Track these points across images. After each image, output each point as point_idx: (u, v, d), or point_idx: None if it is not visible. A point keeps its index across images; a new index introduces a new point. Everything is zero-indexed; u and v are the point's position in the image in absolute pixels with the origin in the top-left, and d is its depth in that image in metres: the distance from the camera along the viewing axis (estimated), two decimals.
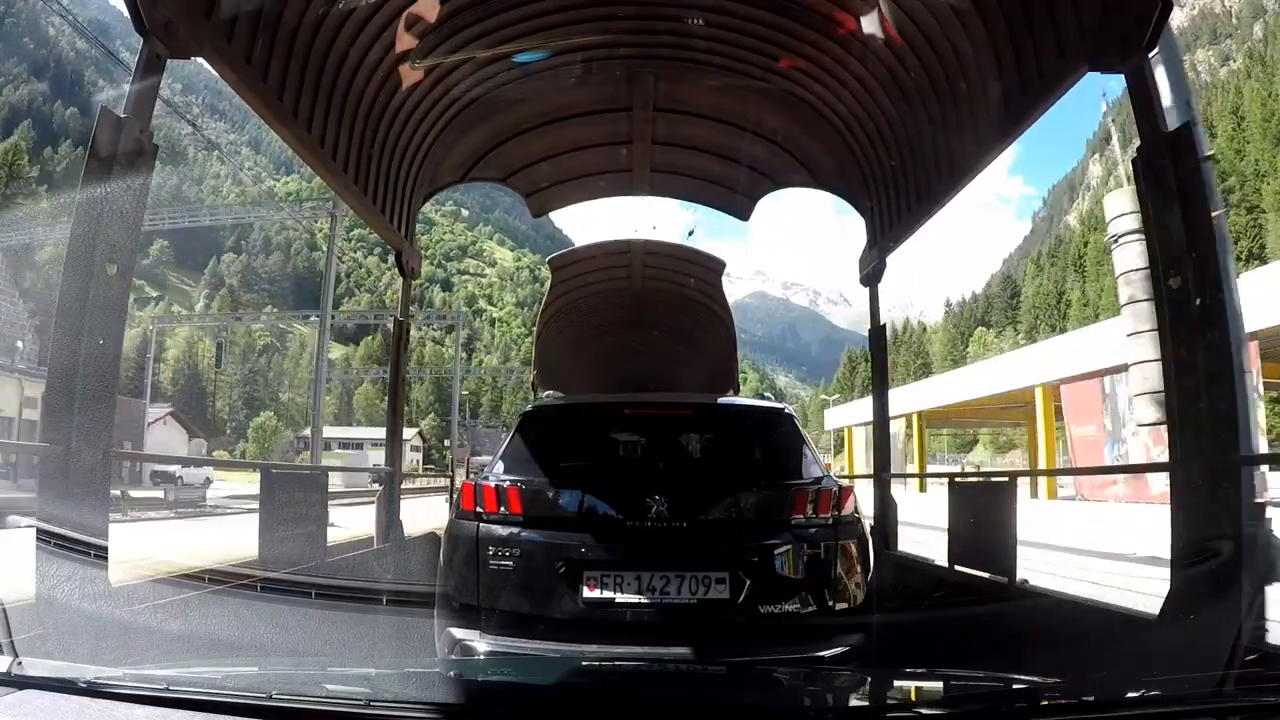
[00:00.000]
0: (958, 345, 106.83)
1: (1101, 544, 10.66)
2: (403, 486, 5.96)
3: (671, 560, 3.25)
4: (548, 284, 8.87)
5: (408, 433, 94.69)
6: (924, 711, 1.76)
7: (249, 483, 42.97)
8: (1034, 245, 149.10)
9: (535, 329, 9.77)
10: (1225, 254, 3.05)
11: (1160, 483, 15.36)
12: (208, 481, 32.48)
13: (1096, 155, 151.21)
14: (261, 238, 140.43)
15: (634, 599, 3.22)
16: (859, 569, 3.45)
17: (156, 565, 3.77)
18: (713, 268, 8.34)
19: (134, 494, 21.19)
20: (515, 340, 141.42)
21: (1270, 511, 2.35)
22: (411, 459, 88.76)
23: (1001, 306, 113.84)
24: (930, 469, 37.05)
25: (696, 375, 9.43)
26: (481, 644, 3.24)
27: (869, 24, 4.32)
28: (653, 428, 3.98)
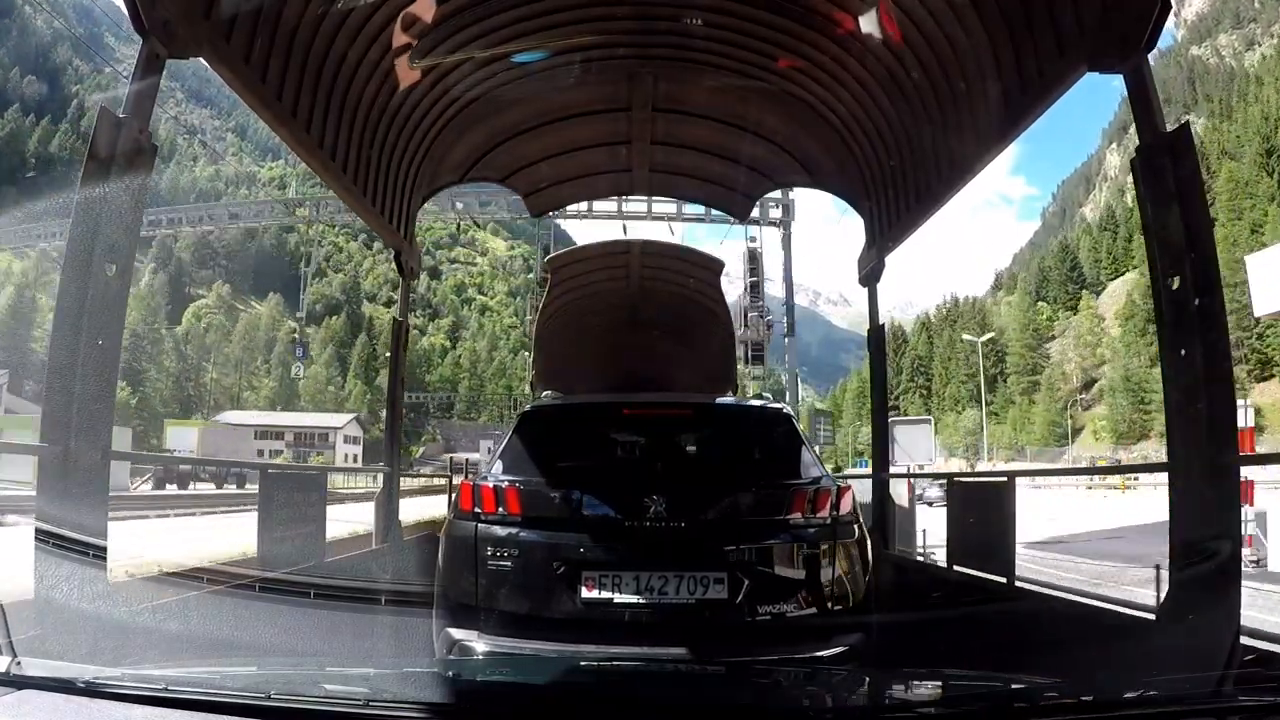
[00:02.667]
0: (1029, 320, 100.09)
1: None
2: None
3: (670, 560, 3.24)
4: (547, 284, 8.87)
5: (340, 419, 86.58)
6: (923, 711, 1.76)
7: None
8: (1046, 238, 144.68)
9: (534, 329, 9.77)
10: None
11: None
12: None
13: (1114, 145, 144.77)
14: (227, 213, 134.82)
15: (632, 599, 3.22)
16: (858, 569, 3.44)
17: None
18: (712, 268, 8.33)
19: None
20: (505, 330, 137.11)
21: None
22: (345, 454, 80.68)
23: (1060, 280, 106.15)
24: None
25: (695, 375, 9.42)
26: (480, 644, 3.24)
27: (868, 24, 4.32)
28: (651, 428, 3.97)
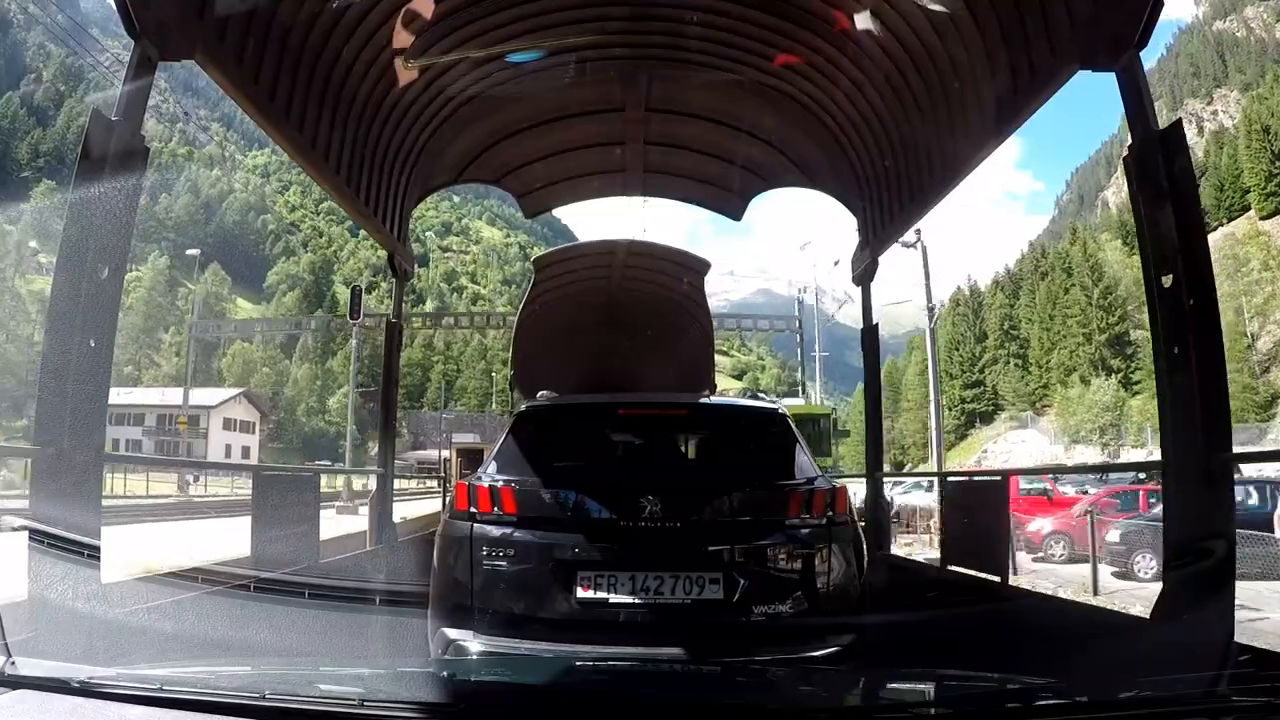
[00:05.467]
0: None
1: None
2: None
3: (665, 560, 3.24)
4: (530, 283, 8.83)
5: (215, 396, 64.42)
6: (918, 711, 1.76)
7: None
8: (1064, 225, 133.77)
9: (514, 327, 9.72)
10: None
11: None
12: None
13: None
14: (187, 186, 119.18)
15: (628, 599, 3.22)
16: (852, 569, 3.45)
17: None
18: (697, 269, 8.29)
19: None
20: (499, 318, 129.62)
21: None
22: (228, 444, 60.93)
23: None
24: None
25: (671, 376, 9.40)
26: (475, 644, 3.23)
27: (861, 23, 4.32)
28: (647, 428, 3.98)
